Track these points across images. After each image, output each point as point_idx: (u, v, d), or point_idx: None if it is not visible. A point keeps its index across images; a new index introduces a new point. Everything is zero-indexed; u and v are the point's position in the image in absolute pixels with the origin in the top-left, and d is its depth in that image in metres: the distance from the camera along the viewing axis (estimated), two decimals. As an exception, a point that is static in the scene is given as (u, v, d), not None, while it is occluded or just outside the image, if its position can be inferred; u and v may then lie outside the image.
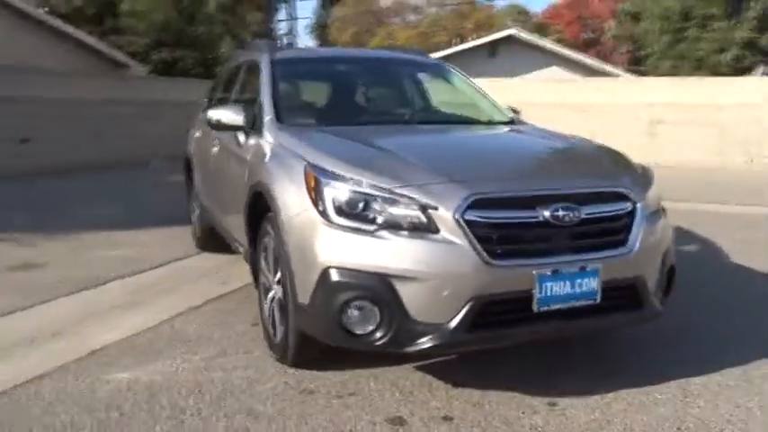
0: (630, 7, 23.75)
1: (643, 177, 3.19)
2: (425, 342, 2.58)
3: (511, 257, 2.61)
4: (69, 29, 15.03)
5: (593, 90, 14.67)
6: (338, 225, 2.65)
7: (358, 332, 2.62)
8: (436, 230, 2.58)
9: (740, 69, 18.18)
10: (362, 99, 4.62)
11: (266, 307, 3.26)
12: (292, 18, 34.36)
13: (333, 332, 2.67)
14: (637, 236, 2.82)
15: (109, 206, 7.90)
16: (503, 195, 2.71)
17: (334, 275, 2.62)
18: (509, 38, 20.37)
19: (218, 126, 3.81)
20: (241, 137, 3.83)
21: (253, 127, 3.72)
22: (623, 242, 2.80)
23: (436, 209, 2.59)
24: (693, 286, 4.34)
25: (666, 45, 19.82)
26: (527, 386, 2.90)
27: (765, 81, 14.07)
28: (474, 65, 18.04)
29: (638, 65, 25.39)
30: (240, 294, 4.28)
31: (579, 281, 2.67)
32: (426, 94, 4.89)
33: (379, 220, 2.62)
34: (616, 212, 2.85)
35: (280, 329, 3.09)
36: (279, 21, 32.42)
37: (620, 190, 2.91)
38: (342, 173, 2.75)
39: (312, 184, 2.78)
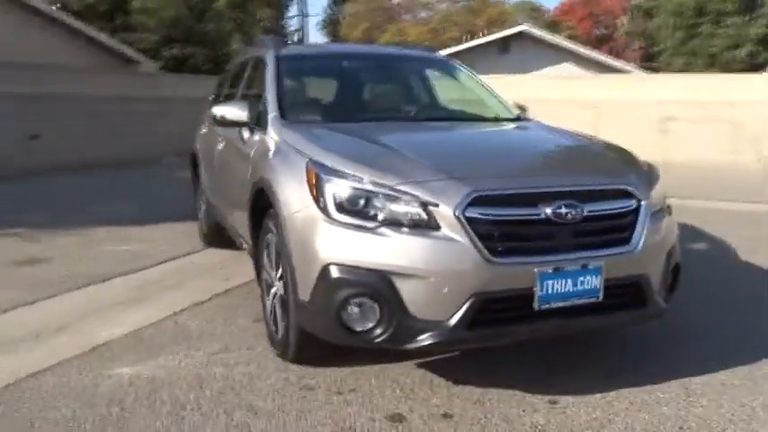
0: (643, 3, 23.58)
1: (648, 175, 3.15)
2: (425, 339, 2.57)
3: (512, 255, 2.60)
4: (81, 26, 15.16)
5: (603, 87, 14.53)
6: (339, 222, 2.65)
7: (358, 329, 2.61)
8: (437, 227, 2.56)
9: (754, 66, 17.98)
10: (368, 96, 4.60)
11: (268, 303, 3.27)
12: (303, 15, 34.44)
13: (333, 329, 2.66)
14: (641, 234, 2.79)
15: (119, 202, 7.97)
16: (504, 192, 2.69)
17: (335, 272, 2.61)
18: (521, 34, 20.25)
19: (223, 122, 3.82)
20: (245, 133, 3.82)
21: (257, 123, 3.72)
22: (627, 240, 2.78)
23: (437, 206, 2.57)
24: (700, 284, 4.30)
25: (679, 41, 19.67)
26: (527, 384, 2.88)
27: (779, 77, 13.91)
28: (486, 61, 17.98)
29: (650, 61, 25.23)
30: (244, 290, 4.30)
31: (581, 278, 2.65)
32: (432, 90, 4.86)
33: (380, 216, 2.61)
34: (620, 210, 2.81)
35: (281, 326, 3.09)
36: (290, 17, 32.52)
37: (625, 187, 2.88)
38: (343, 169, 2.74)
39: (313, 180, 2.77)
